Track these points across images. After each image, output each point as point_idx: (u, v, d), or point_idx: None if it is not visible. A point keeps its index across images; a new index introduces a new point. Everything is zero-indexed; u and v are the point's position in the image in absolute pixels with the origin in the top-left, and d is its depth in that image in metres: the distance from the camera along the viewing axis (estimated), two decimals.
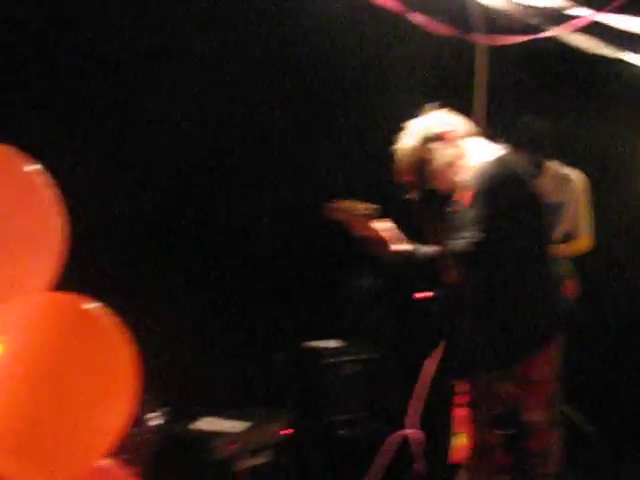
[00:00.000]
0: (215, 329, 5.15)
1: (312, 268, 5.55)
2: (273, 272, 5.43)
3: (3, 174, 2.12)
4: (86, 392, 1.98)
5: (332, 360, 5.43)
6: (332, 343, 5.56)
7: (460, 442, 3.28)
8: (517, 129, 5.01)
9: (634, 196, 6.15)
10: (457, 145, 3.32)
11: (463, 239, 3.07)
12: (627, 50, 4.93)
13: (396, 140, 3.36)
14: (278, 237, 5.43)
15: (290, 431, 5.00)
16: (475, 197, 3.11)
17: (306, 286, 5.53)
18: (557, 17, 4.66)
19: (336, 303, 5.79)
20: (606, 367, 6.07)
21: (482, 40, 4.72)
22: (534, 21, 4.80)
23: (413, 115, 3.43)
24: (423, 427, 3.74)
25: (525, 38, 4.67)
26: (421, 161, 3.23)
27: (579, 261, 5.26)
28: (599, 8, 4.49)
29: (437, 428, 3.53)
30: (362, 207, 3.32)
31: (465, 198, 3.16)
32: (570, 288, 5.05)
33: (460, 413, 3.23)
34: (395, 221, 3.35)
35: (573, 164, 5.30)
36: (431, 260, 3.19)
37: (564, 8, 4.64)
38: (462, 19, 4.63)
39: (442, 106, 3.43)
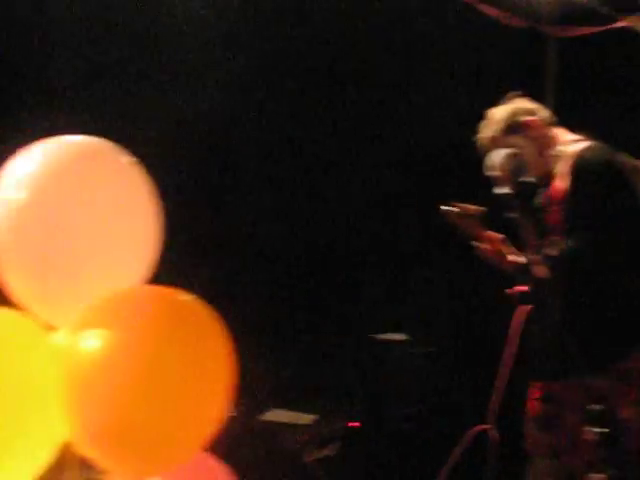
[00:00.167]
0: (282, 322, 5.18)
1: (379, 260, 5.55)
2: (340, 265, 5.44)
3: (101, 168, 2.15)
4: (184, 385, 1.99)
5: (399, 353, 5.42)
6: (399, 336, 5.55)
7: (533, 434, 3.24)
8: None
9: None
10: (544, 133, 3.18)
11: (572, 242, 2.97)
12: None
13: (476, 131, 3.23)
14: (345, 230, 5.43)
15: (357, 424, 5.02)
16: (578, 187, 3.00)
17: (374, 279, 5.53)
18: (631, 6, 4.57)
19: (404, 296, 5.78)
20: None
21: (553, 31, 4.67)
22: (606, 11, 4.72)
23: (488, 106, 3.33)
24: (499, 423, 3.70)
25: (597, 29, 4.58)
26: (509, 151, 3.08)
27: None
28: None
29: (512, 422, 3.50)
30: (473, 209, 3.20)
31: (560, 188, 3.04)
32: None
33: (536, 406, 3.19)
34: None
35: None
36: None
37: None
38: (533, 10, 4.58)
39: (522, 95, 3.30)
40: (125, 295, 2.12)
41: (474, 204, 3.21)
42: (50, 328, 2.19)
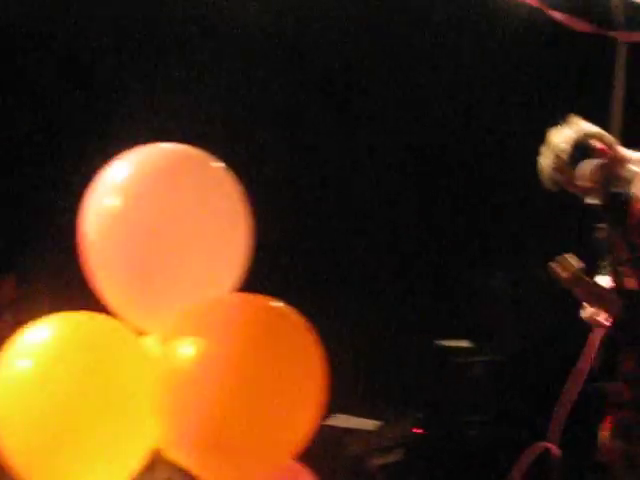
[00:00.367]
0: (346, 328, 5.18)
1: (444, 267, 5.53)
2: (405, 271, 5.43)
3: (193, 175, 2.17)
4: (276, 393, 2.00)
5: (463, 360, 5.40)
6: (463, 343, 5.53)
7: (609, 443, 3.20)
8: None
9: None
10: (614, 155, 3.09)
11: None
12: None
13: (541, 149, 3.16)
14: (410, 234, 5.43)
15: (421, 430, 5.00)
16: None
17: (439, 285, 5.52)
18: None
19: (468, 303, 5.75)
20: None
21: (622, 37, 4.60)
22: None
23: (554, 123, 3.25)
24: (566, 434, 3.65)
25: None
26: (600, 161, 3.01)
27: None
28: None
29: (583, 433, 3.46)
30: (576, 263, 3.09)
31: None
32: None
33: (616, 415, 3.16)
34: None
35: None
36: None
37: None
38: (602, 14, 4.53)
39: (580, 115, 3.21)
40: (218, 302, 2.14)
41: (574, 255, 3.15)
42: (140, 333, 2.22)
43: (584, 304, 3.23)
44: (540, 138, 3.27)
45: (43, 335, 2.10)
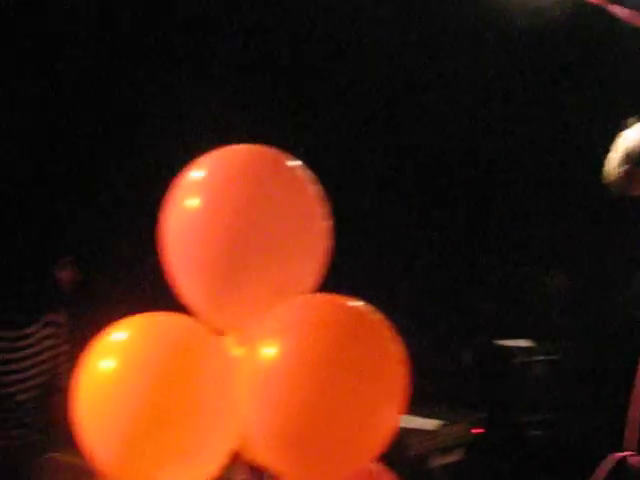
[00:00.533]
0: (407, 328, 5.15)
1: (504, 266, 5.50)
2: (464, 271, 5.40)
3: (273, 175, 2.17)
4: (360, 391, 1.99)
5: (522, 360, 5.36)
6: (523, 342, 5.48)
7: None
8: None
9: None
10: None
11: None
12: None
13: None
14: (469, 236, 5.40)
15: (482, 430, 4.96)
16: None
17: (499, 285, 5.48)
18: None
19: (528, 302, 5.71)
20: None
21: None
22: None
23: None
24: None
25: None
26: None
27: None
28: None
29: None
30: None
31: None
32: None
33: None
34: None
35: None
36: None
37: None
38: None
39: None
40: (300, 302, 2.13)
41: None
42: (217, 333, 2.22)
43: None
44: (604, 142, 3.23)
45: (126, 335, 2.11)
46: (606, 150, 3.13)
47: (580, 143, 4.31)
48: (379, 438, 2.10)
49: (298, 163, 2.25)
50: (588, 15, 4.36)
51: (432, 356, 5.28)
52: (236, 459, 2.25)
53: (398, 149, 5.10)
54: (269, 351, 2.04)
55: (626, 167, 3.03)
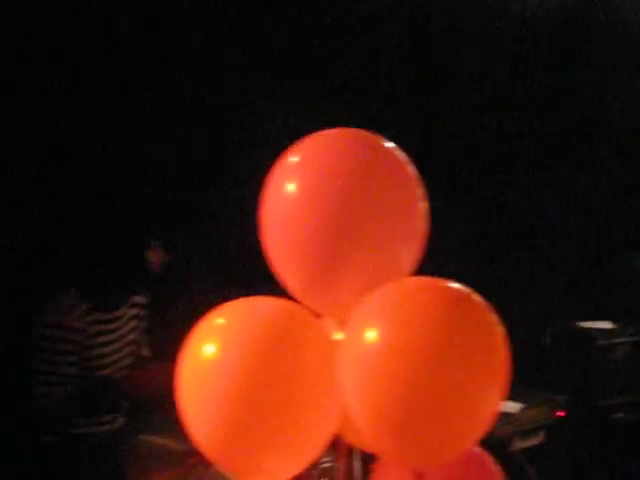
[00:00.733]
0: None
1: (585, 248, 5.42)
2: (545, 253, 5.34)
3: (369, 157, 2.15)
4: (464, 376, 1.96)
5: (605, 342, 5.28)
6: (604, 324, 5.40)
7: None
8: None
9: None
10: None
11: None
12: None
13: None
14: (548, 220, 5.33)
15: (564, 413, 4.90)
16: None
17: (580, 266, 5.41)
18: None
19: (610, 283, 5.61)
20: None
21: None
22: None
23: None
24: None
25: None
26: None
27: None
28: None
29: None
30: None
31: None
32: None
33: None
34: None
35: None
36: None
37: None
38: None
39: None
40: (400, 286, 2.11)
41: None
42: (317, 317, 2.22)
43: None
44: None
45: (228, 319, 2.11)
46: None
47: None
48: (482, 422, 2.07)
49: (393, 144, 2.23)
50: None
51: (512, 338, 5.22)
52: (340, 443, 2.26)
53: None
54: (372, 335, 2.02)
55: None
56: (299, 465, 2.15)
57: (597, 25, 5.19)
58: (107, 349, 3.48)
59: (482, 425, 2.08)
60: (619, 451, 5.16)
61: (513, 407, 4.71)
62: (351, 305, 2.13)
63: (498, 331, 2.07)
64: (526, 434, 4.74)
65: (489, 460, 2.37)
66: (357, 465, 2.32)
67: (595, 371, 5.27)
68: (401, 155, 2.21)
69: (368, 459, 2.36)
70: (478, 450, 2.34)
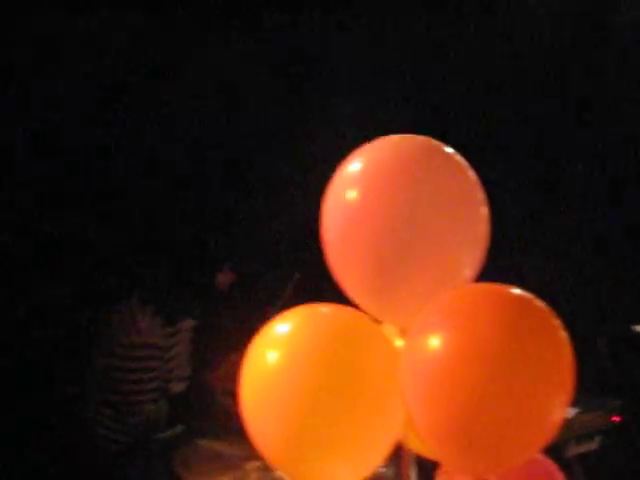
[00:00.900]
0: None
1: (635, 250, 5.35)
2: (598, 256, 5.28)
3: (430, 164, 2.13)
4: (528, 381, 1.95)
5: None
6: None
7: None
8: None
9: None
10: None
11: None
12: None
13: None
14: (600, 223, 5.27)
15: (618, 418, 4.84)
16: None
17: (636, 269, 5.34)
18: None
19: None
20: None
21: None
22: None
23: None
24: None
25: None
26: None
27: None
28: None
29: None
30: None
31: None
32: None
33: None
34: None
35: None
36: None
37: None
38: None
39: None
40: (462, 293, 2.10)
41: None
42: (378, 323, 2.21)
43: None
44: None
45: (291, 327, 2.12)
46: None
47: None
48: (547, 430, 2.05)
49: (452, 150, 2.22)
50: None
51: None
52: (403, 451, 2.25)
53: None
54: (436, 341, 2.01)
55: None
56: (361, 472, 2.15)
57: None
58: (178, 361, 3.55)
59: (547, 432, 2.06)
60: None
61: (568, 412, 4.66)
62: (412, 311, 2.13)
63: (563, 336, 2.06)
64: (581, 439, 4.69)
65: (552, 467, 2.35)
66: (413, 472, 2.31)
67: None
68: (462, 160, 2.20)
69: (426, 466, 2.35)
70: (541, 457, 2.31)
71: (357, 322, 2.15)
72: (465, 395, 1.97)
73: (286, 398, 2.05)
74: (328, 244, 2.18)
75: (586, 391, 4.95)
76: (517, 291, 2.10)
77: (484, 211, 2.18)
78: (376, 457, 2.14)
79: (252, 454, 3.14)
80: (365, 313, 2.18)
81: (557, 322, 2.07)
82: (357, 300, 2.19)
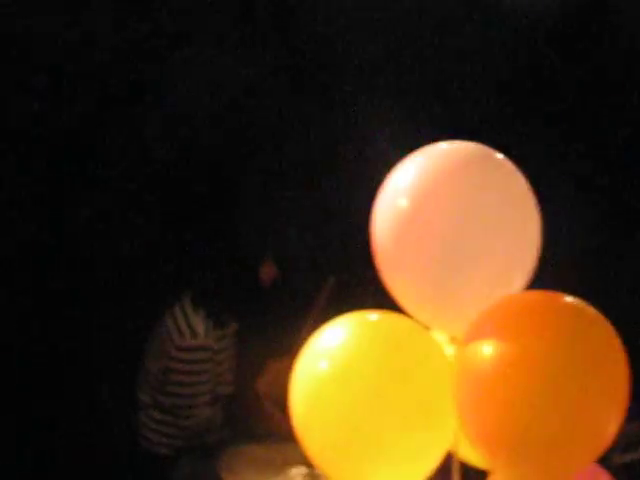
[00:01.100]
0: None
1: None
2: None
3: (481, 171, 2.11)
4: (583, 391, 1.93)
5: None
6: None
7: None
8: None
9: None
10: None
11: None
12: None
13: None
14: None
15: None
16: None
17: None
18: None
19: None
20: None
21: None
22: None
23: None
24: None
25: None
26: None
27: None
28: None
29: None
30: None
31: None
32: None
33: None
34: None
35: None
36: None
37: None
38: None
39: None
40: (515, 301, 2.08)
41: None
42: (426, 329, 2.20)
43: None
44: None
45: (341, 334, 2.11)
46: None
47: None
48: (602, 440, 2.03)
49: (503, 157, 2.21)
50: None
51: None
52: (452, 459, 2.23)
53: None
54: (489, 350, 1.99)
55: None
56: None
57: None
58: (226, 365, 3.57)
59: (601, 444, 2.04)
60: None
61: None
62: (463, 319, 2.12)
63: (618, 345, 2.03)
64: (626, 448, 4.64)
65: (606, 477, 2.32)
66: None
67: None
68: (515, 168, 2.19)
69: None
70: (594, 466, 2.29)
71: (408, 329, 2.14)
72: (518, 404, 1.96)
73: (337, 405, 2.05)
74: (379, 252, 2.16)
75: (631, 399, 4.93)
76: (570, 299, 2.07)
77: (536, 218, 2.16)
78: (426, 466, 2.13)
79: (296, 459, 3.17)
80: (415, 320, 2.17)
81: (611, 330, 2.05)
82: (408, 307, 2.18)
